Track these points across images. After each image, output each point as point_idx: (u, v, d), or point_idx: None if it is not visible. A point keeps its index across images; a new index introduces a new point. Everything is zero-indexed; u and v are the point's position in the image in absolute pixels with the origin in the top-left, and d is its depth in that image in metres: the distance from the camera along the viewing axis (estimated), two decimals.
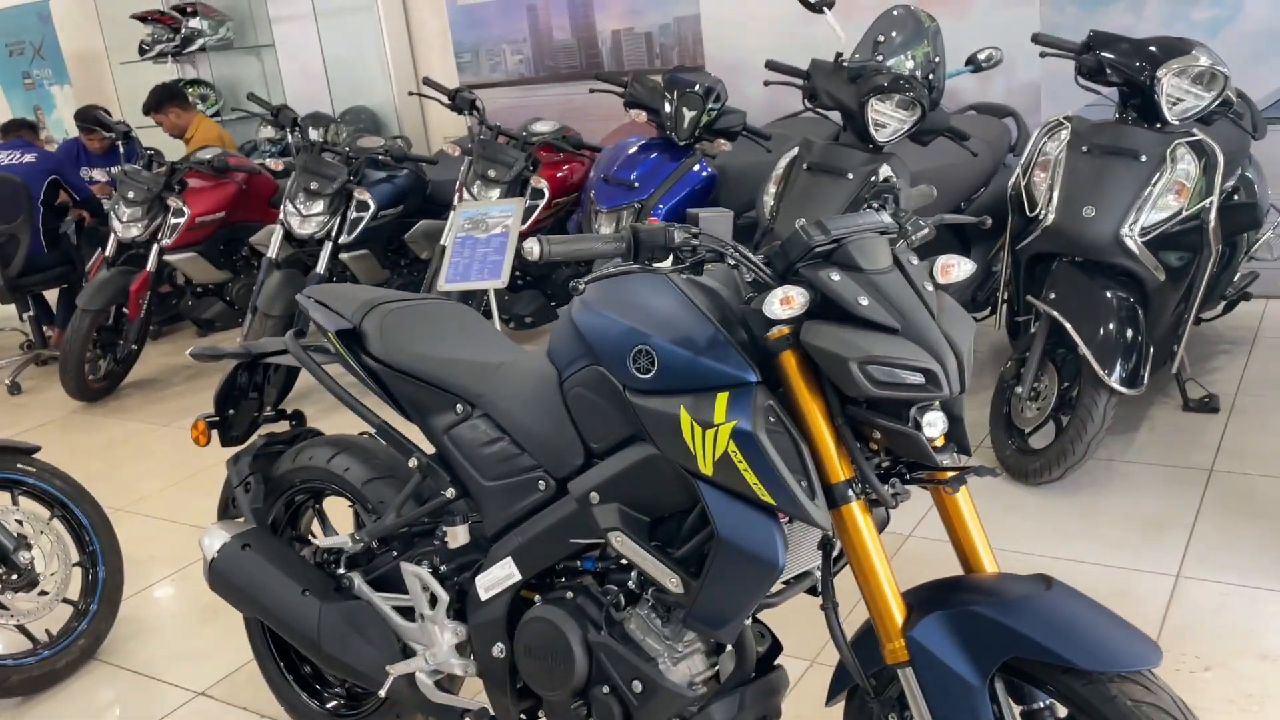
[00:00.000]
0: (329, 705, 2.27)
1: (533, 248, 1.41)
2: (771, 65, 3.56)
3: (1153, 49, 3.00)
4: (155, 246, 4.95)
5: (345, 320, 2.00)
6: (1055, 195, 3.05)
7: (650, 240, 1.43)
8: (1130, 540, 2.75)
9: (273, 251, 4.60)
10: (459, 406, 1.87)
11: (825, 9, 3.43)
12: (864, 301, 1.42)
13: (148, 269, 4.95)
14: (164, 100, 5.93)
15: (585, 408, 1.67)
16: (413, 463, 1.91)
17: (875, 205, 1.63)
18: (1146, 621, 2.40)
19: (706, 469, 1.47)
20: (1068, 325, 2.95)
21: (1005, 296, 3.41)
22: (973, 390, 3.78)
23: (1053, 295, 3.04)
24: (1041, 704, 1.44)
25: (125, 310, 5.00)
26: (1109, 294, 2.99)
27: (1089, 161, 3.03)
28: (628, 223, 4.03)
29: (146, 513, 3.72)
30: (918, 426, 1.42)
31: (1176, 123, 3.00)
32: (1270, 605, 2.41)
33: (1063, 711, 1.42)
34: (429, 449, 1.94)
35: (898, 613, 1.43)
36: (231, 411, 2.33)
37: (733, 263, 1.48)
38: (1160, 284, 3.02)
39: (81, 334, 4.81)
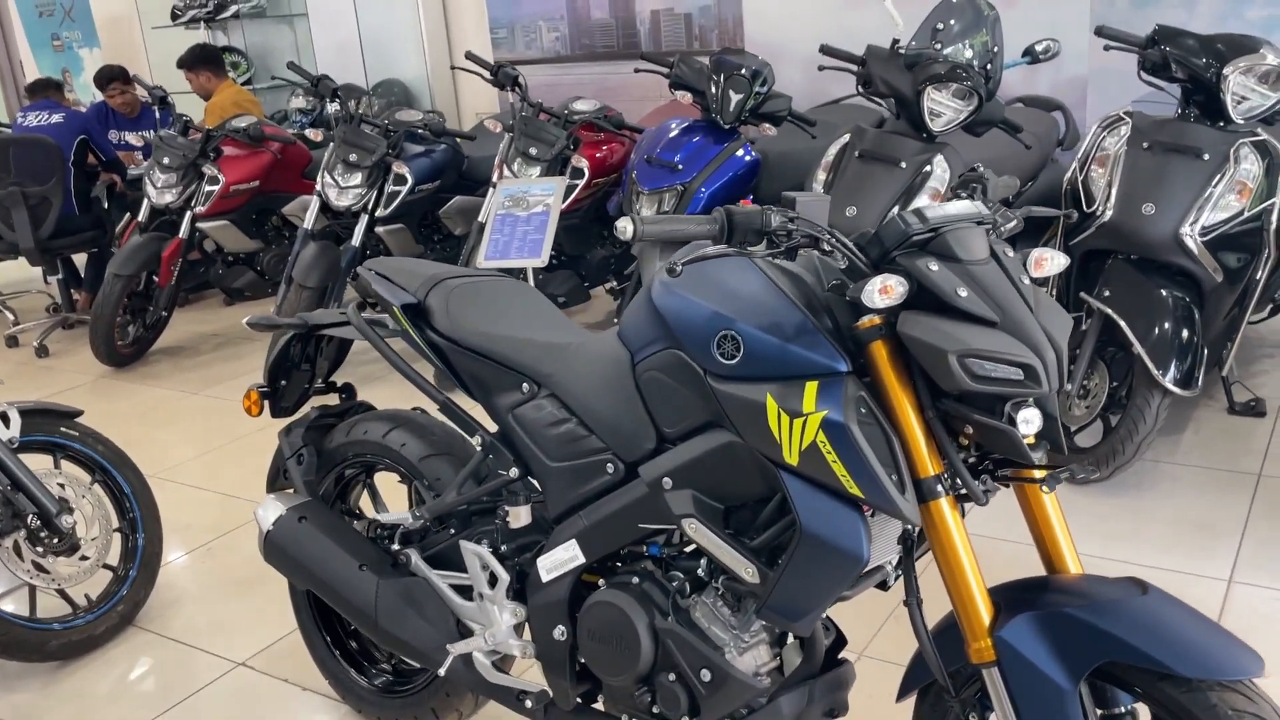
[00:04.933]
0: (377, 681, 2.26)
1: (626, 227, 1.38)
2: (826, 50, 3.51)
3: (1220, 46, 2.95)
4: (189, 213, 4.93)
5: (409, 295, 1.98)
6: (1114, 191, 3.00)
7: (746, 223, 1.40)
8: (1180, 543, 2.72)
9: (309, 222, 4.57)
10: (525, 385, 1.84)
11: None
12: (963, 293, 1.38)
13: (180, 235, 4.93)
14: (200, 62, 5.87)
15: (660, 391, 1.64)
16: (477, 441, 1.89)
17: (964, 194, 1.60)
18: None
19: (792, 458, 1.44)
20: (1122, 323, 2.91)
21: (1054, 293, 3.36)
22: None
23: (1107, 292, 3.00)
24: (1124, 709, 1.42)
25: (156, 276, 4.98)
26: (1165, 293, 2.95)
27: (1150, 158, 2.98)
28: (670, 204, 3.99)
29: (181, 480, 3.71)
30: (1012, 423, 1.39)
31: (1241, 121, 2.94)
32: None
33: (1146, 716, 1.40)
34: (491, 428, 1.92)
35: (985, 612, 1.40)
36: (284, 383, 2.30)
37: (828, 248, 1.44)
38: (1217, 285, 2.97)
39: (114, 299, 4.79)
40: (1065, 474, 1.43)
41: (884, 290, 1.38)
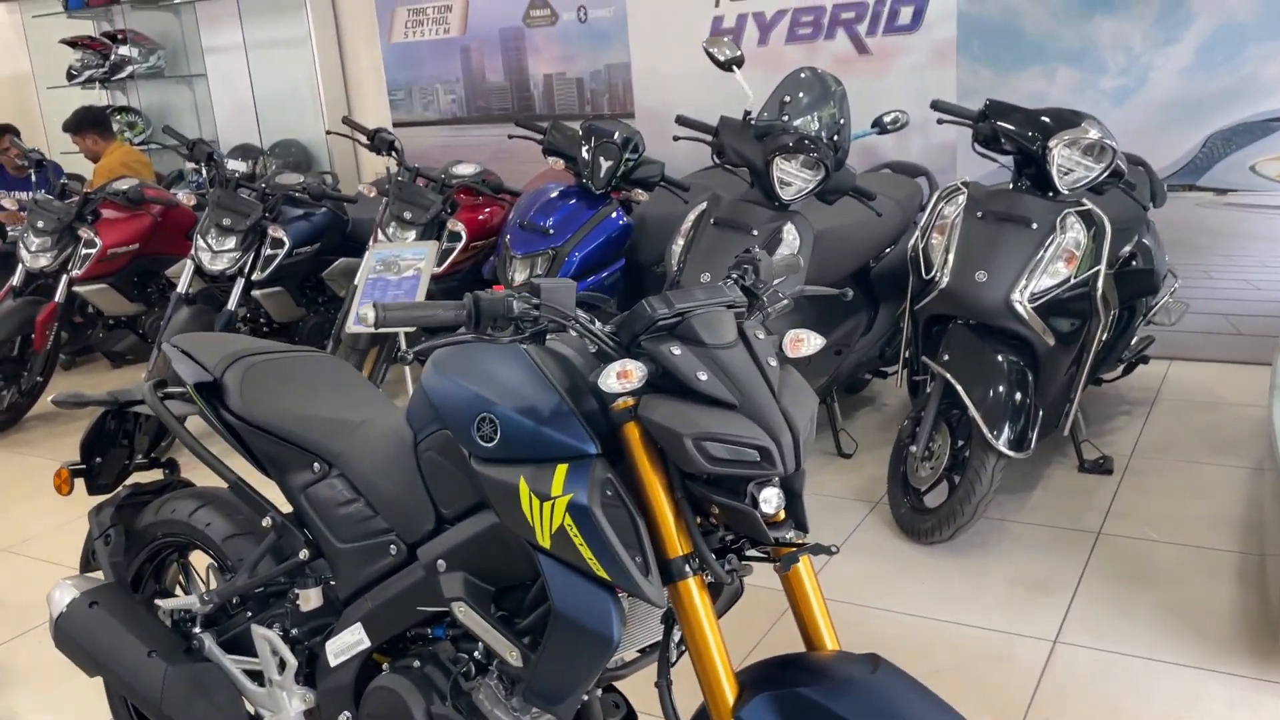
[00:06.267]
0: None
1: (367, 313, 1.39)
2: (682, 121, 3.59)
3: (1045, 120, 3.08)
4: (65, 277, 4.84)
5: (206, 372, 1.96)
6: (950, 258, 3.10)
7: (491, 309, 1.42)
8: (1013, 603, 2.77)
9: (183, 286, 4.52)
10: (316, 465, 1.83)
11: (735, 68, 3.48)
12: (703, 377, 1.41)
13: (56, 300, 4.84)
14: (85, 124, 5.82)
15: (436, 472, 1.65)
16: (266, 522, 1.87)
17: (734, 276, 1.64)
18: (1020, 688, 2.41)
19: (544, 541, 1.45)
20: (958, 387, 2.99)
21: (906, 356, 3.45)
22: (876, 446, 3.84)
23: (946, 357, 3.08)
24: None
25: (32, 341, 4.87)
26: (1000, 357, 3.04)
27: (983, 227, 3.09)
28: (542, 268, 4.03)
29: (32, 554, 3.60)
30: (754, 503, 1.42)
31: (1067, 192, 3.07)
32: (1144, 674, 2.44)
33: None
34: (288, 508, 1.90)
35: (729, 692, 1.42)
36: (99, 459, 2.26)
37: (575, 333, 1.47)
38: (1050, 348, 3.07)
39: None
40: (804, 553, 1.45)
41: (623, 375, 1.40)
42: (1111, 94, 4.54)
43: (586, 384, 1.52)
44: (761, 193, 3.38)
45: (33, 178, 5.58)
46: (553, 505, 1.43)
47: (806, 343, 1.57)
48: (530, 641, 1.56)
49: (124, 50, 6.97)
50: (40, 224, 4.82)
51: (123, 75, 7.02)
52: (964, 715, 1.35)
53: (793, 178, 3.30)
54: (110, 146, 5.90)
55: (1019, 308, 2.99)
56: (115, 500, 2.21)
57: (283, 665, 1.84)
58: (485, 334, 1.43)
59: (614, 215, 4.14)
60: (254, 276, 4.49)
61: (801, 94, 3.36)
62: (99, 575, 2.18)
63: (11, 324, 4.76)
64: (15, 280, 4.93)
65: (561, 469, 1.44)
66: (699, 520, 1.47)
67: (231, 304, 4.47)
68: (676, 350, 1.43)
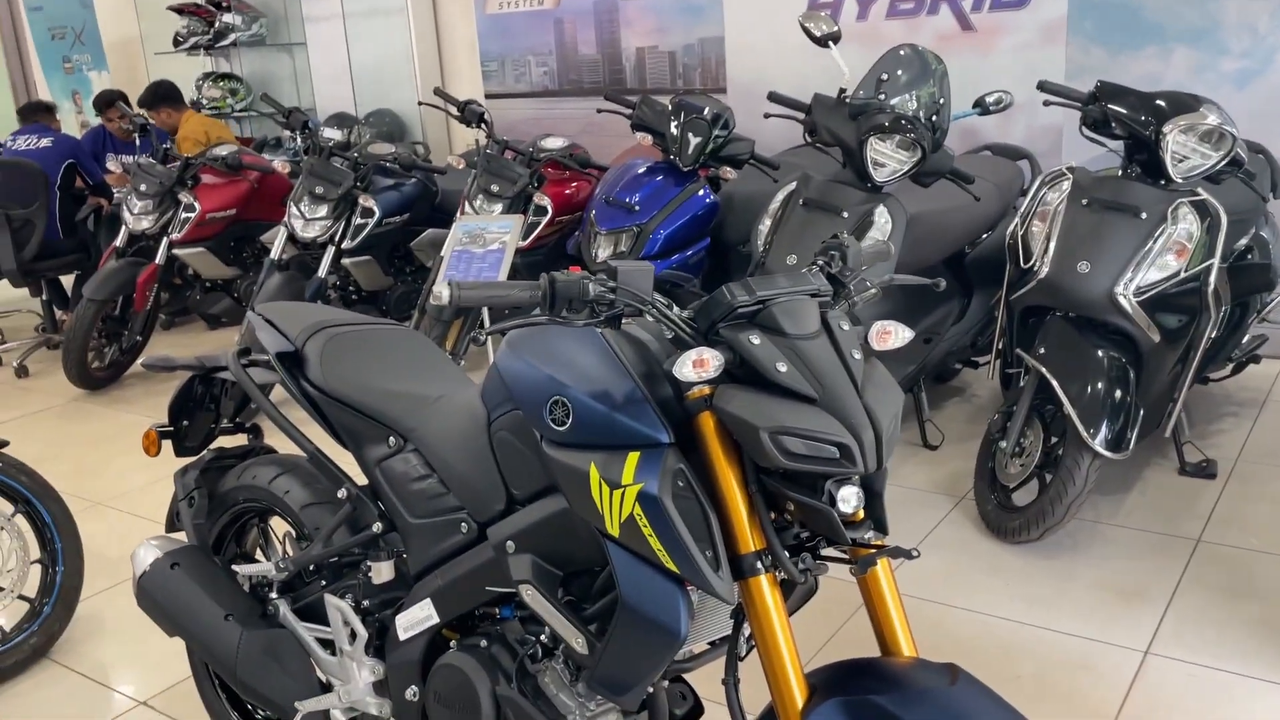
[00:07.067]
0: None
1: (442, 292, 1.37)
2: (774, 97, 3.50)
3: (1160, 103, 2.91)
4: (165, 240, 4.98)
5: (288, 342, 1.98)
6: (1051, 247, 2.96)
7: (566, 291, 1.38)
8: (1103, 610, 2.66)
9: (276, 252, 4.61)
10: (391, 439, 1.83)
11: (831, 43, 3.37)
12: (782, 368, 1.36)
13: (156, 261, 4.98)
14: (157, 100, 5.94)
15: (509, 452, 1.63)
16: (342, 493, 1.88)
17: (820, 263, 1.57)
18: (1106, 701, 2.31)
19: (613, 530, 1.42)
20: (1054, 382, 2.87)
21: (999, 347, 3.32)
22: (964, 438, 3.72)
23: (1042, 350, 2.96)
24: None
25: (132, 301, 5.03)
26: (1100, 353, 2.90)
27: (1088, 215, 2.94)
28: (626, 245, 3.99)
29: (128, 509, 3.73)
30: (832, 501, 1.36)
31: (1181, 180, 2.90)
32: (1238, 691, 2.31)
33: None
34: (364, 480, 1.91)
35: (799, 695, 1.37)
36: (186, 422, 2.31)
37: (652, 318, 1.42)
38: (1155, 345, 2.92)
39: (86, 322, 4.84)
40: (883, 556, 1.39)
41: (699, 363, 1.35)
42: (1233, 76, 4.29)
43: (661, 371, 1.48)
44: (854, 173, 3.28)
45: (137, 142, 5.74)
46: (623, 494, 1.40)
47: (895, 335, 1.50)
48: (597, 629, 1.54)
49: (228, 18, 7.12)
50: (143, 187, 4.96)
51: (226, 42, 7.18)
52: None
53: (887, 159, 3.20)
54: (185, 116, 6.03)
55: (1123, 301, 2.84)
56: (200, 463, 2.25)
57: (353, 636, 1.85)
58: (560, 316, 1.39)
59: (701, 193, 4.07)
60: (344, 245, 4.55)
61: (900, 72, 3.24)
62: (182, 536, 2.23)
63: (114, 284, 4.92)
64: (119, 241, 5.09)
65: (633, 457, 1.41)
66: (773, 516, 1.42)
67: (322, 271, 4.54)
68: (756, 339, 1.38)
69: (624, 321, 1.49)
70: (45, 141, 5.70)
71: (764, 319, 1.40)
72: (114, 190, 5.94)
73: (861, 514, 1.41)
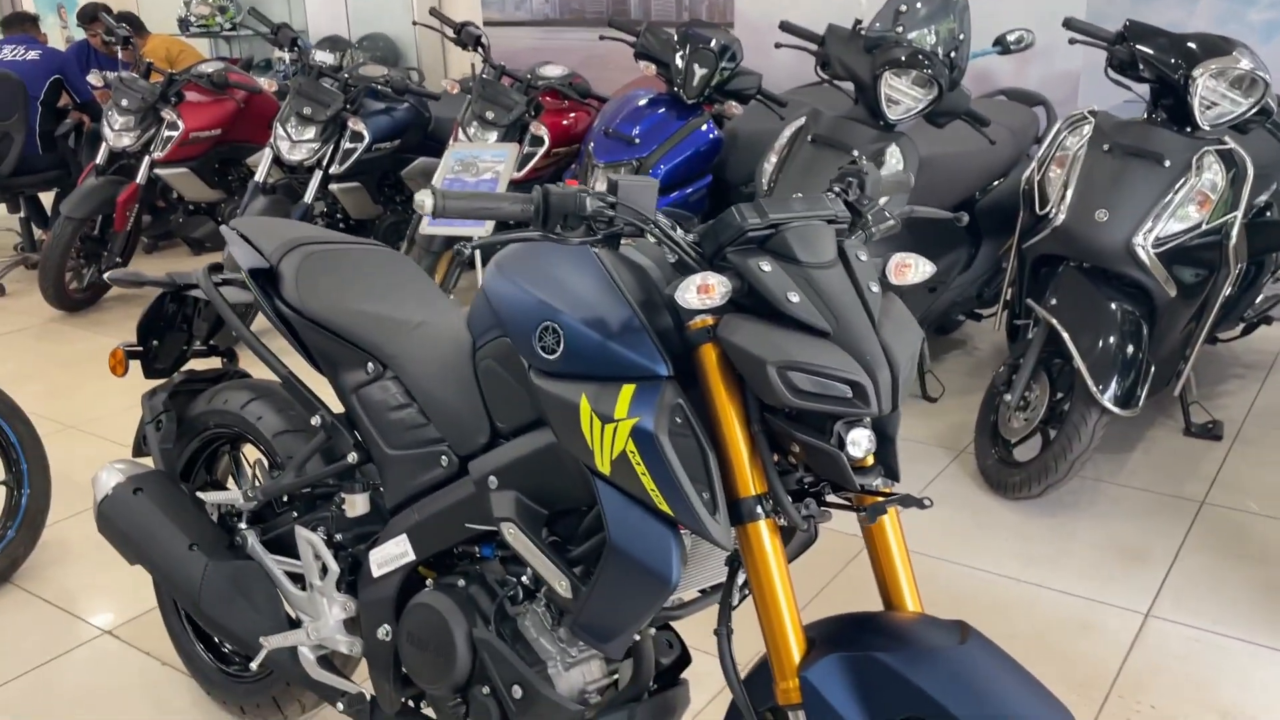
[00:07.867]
0: (231, 668, 2.15)
1: (424, 200, 1.24)
2: (786, 27, 3.35)
3: (1191, 46, 2.78)
4: (147, 158, 4.81)
5: (263, 259, 1.85)
6: (1069, 194, 2.84)
7: (561, 205, 1.26)
8: (1103, 570, 2.58)
9: (261, 175, 4.45)
10: (370, 365, 1.72)
11: None
12: (794, 298, 1.24)
13: (137, 181, 4.81)
14: (96, 18, 5.70)
15: (494, 382, 1.52)
16: (316, 420, 1.77)
17: (837, 189, 1.45)
18: (1105, 661, 2.24)
19: (604, 467, 1.31)
20: (1065, 334, 2.76)
21: (1008, 297, 3.21)
22: (965, 390, 3.63)
23: (1054, 301, 2.85)
24: None
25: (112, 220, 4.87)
26: (1114, 305, 2.79)
27: (1109, 161, 2.81)
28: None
29: (101, 433, 3.62)
30: (841, 444, 1.25)
31: (1208, 128, 2.77)
32: (1240, 656, 2.24)
33: None
34: (340, 408, 1.79)
35: (796, 648, 1.27)
36: (155, 342, 2.19)
37: (653, 239, 1.30)
38: (1170, 300, 2.81)
39: (63, 241, 4.69)
40: (893, 504, 1.29)
41: (703, 289, 1.24)
42: (1260, 28, 4.13)
43: (662, 297, 1.36)
44: (866, 110, 3.14)
45: (120, 57, 5.52)
46: (615, 428, 1.29)
47: (915, 269, 1.39)
48: (582, 572, 1.44)
49: None
50: (124, 102, 4.77)
51: None
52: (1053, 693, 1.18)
53: (902, 95, 3.05)
54: (147, 38, 5.80)
55: (1141, 252, 2.72)
56: (169, 386, 2.14)
57: (324, 571, 1.75)
58: (554, 233, 1.27)
59: (704, 128, 3.92)
60: (332, 170, 4.39)
61: (919, 4, 3.08)
62: (149, 461, 2.12)
63: (93, 202, 4.76)
64: (99, 158, 4.92)
65: (628, 389, 1.30)
66: (776, 458, 1.31)
67: (308, 197, 4.38)
68: (766, 266, 1.26)
69: (623, 243, 1.38)
70: (33, 54, 5.48)
71: (776, 244, 1.29)
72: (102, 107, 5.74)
73: (871, 459, 1.31)
